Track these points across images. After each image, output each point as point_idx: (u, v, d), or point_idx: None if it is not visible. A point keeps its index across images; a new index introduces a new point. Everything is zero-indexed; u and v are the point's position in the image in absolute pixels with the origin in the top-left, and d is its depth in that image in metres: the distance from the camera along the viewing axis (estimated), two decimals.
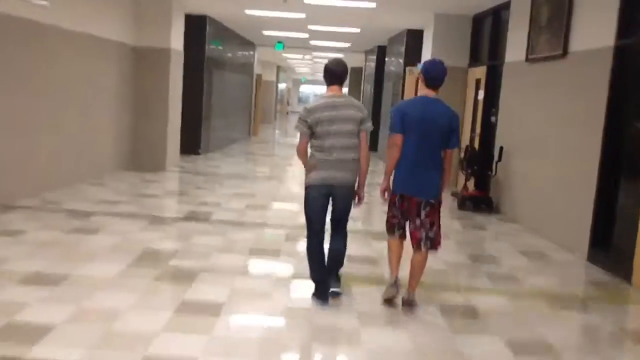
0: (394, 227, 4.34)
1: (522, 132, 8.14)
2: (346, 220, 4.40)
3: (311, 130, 4.14)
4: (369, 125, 4.22)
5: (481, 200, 8.78)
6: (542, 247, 6.65)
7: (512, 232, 7.44)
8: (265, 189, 9.83)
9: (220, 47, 14.73)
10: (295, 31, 15.36)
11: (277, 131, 26.61)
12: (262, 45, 19.76)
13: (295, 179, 10.96)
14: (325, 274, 4.32)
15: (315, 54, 22.46)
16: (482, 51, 10.42)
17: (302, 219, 4.46)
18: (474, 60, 10.67)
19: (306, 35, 16.02)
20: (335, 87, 4.24)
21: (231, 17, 13.55)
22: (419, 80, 4.42)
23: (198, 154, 13.43)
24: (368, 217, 7.92)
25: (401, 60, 13.30)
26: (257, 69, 20.84)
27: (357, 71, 29.52)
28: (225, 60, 15.59)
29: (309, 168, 4.21)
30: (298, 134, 4.29)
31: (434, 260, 5.17)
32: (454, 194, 9.46)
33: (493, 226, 7.74)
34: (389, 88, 15.01)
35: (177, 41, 10.87)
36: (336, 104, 4.14)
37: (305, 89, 51.67)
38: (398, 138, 4.20)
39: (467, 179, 9.25)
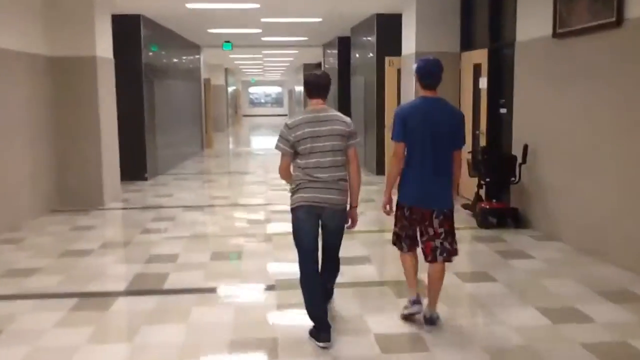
0: (403, 239, 4.06)
1: (553, 127, 6.44)
2: (338, 248, 4.06)
3: (294, 149, 3.77)
4: (357, 140, 3.93)
5: (506, 214, 7.06)
6: (619, 281, 4.96)
7: (564, 258, 5.72)
8: (232, 224, 7.86)
9: (160, 51, 12.62)
10: (246, 27, 13.39)
11: (231, 139, 24.52)
12: (208, 46, 17.65)
13: (266, 205, 9.02)
14: (325, 307, 3.92)
15: (267, 52, 20.47)
16: (479, 31, 8.70)
17: (294, 270, 3.98)
18: (468, 43, 8.96)
19: (258, 31, 14.06)
20: (318, 100, 3.85)
21: (170, 15, 11.47)
22: (415, 81, 4.05)
23: (145, 179, 11.33)
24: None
25: (372, 52, 11.51)
26: (204, 73, 18.71)
27: (312, 68, 27.74)
28: (168, 66, 13.48)
29: (292, 189, 3.86)
30: (280, 154, 3.82)
31: (505, 330, 3.42)
32: (466, 207, 7.71)
33: (536, 250, 6.00)
34: (359, 83, 13.19)
35: (104, 47, 8.75)
36: (320, 118, 3.77)
37: (255, 90, 49.44)
38: (399, 147, 3.90)
39: (479, 187, 7.52)
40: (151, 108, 11.73)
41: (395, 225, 4.08)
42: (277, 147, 3.81)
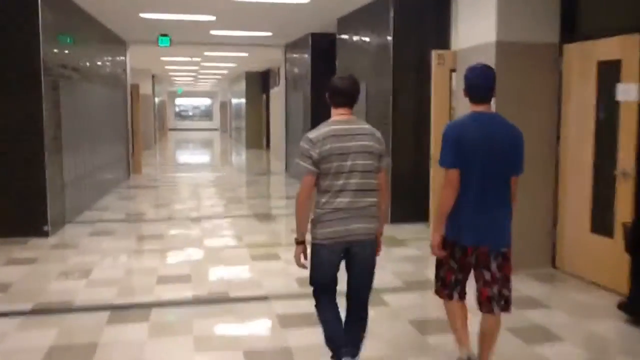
0: (451, 286, 3.39)
1: None
2: (369, 293, 3.37)
3: (317, 168, 3.12)
4: (388, 160, 3.48)
5: None
6: None
7: None
8: (203, 332, 4.12)
9: (70, 44, 8.60)
10: (196, 11, 9.63)
11: (161, 159, 20.36)
12: (137, 42, 13.61)
13: (266, 298, 5.30)
14: (344, 336, 3.36)
15: (209, 53, 16.60)
16: (610, 9, 5.47)
17: None
18: (577, 29, 5.70)
19: (211, 18, 10.30)
20: (345, 110, 3.27)
21: None
22: (464, 94, 3.32)
23: (45, 234, 7.29)
24: None
25: (386, 48, 8.10)
26: (130, 78, 14.57)
27: (257, 77, 24.04)
28: (81, 66, 9.43)
29: (313, 221, 3.21)
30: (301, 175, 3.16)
31: None
32: (625, 308, 4.40)
33: None
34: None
35: None
36: (349, 131, 3.20)
37: (182, 101, 45.07)
38: (453, 174, 3.18)
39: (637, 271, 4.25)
40: (55, 122, 7.72)
41: (440, 268, 3.43)
42: (299, 165, 3.18)
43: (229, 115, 34.81)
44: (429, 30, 7.84)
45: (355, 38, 9.62)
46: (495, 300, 3.25)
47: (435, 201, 3.72)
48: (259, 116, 24.57)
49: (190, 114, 45.74)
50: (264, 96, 23.99)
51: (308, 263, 3.29)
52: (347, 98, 3.28)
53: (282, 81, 14.90)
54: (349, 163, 3.14)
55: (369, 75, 8.76)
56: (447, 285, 3.41)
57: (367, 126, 3.28)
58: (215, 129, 43.15)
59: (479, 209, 3.19)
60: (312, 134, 3.20)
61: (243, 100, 26.25)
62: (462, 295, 3.43)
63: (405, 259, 6.21)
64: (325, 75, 12.49)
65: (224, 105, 38.89)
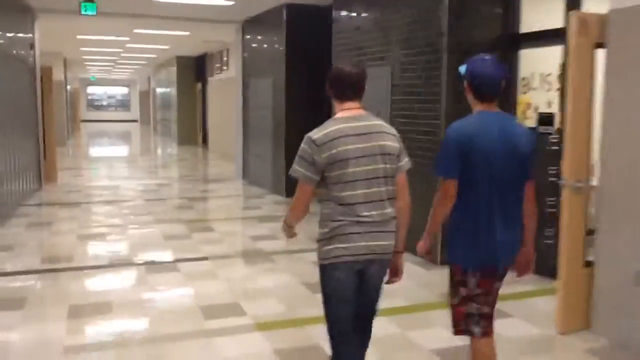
0: (472, 320, 2.84)
1: None
2: (376, 309, 2.91)
3: (321, 175, 2.67)
4: (407, 161, 2.82)
5: None
6: None
7: None
8: None
9: None
10: None
11: (77, 158, 16.92)
12: (49, 10, 10.34)
13: None
14: None
15: (140, 31, 13.46)
16: None
17: None
18: None
19: None
20: (354, 103, 2.77)
21: None
22: (466, 90, 2.84)
23: None
24: None
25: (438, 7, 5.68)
26: (39, 59, 11.21)
27: (191, 63, 20.91)
28: None
29: (322, 235, 2.70)
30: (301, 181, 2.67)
31: None
32: None
33: None
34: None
35: None
36: (363, 129, 2.70)
37: (96, 90, 40.76)
38: (452, 185, 2.74)
39: None
40: None
41: (457, 298, 2.86)
42: (295, 172, 2.69)
43: (151, 106, 31.21)
44: None
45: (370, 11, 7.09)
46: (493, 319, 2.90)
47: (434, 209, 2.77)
48: (193, 108, 21.49)
49: (105, 104, 41.93)
50: (200, 85, 20.91)
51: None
52: (356, 88, 2.76)
53: (238, 66, 12.07)
54: (367, 168, 2.67)
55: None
56: (467, 320, 2.86)
57: (382, 122, 2.80)
58: (134, 121, 39.40)
59: (491, 225, 2.73)
60: (316, 134, 2.67)
61: (170, 90, 23.01)
62: (488, 329, 2.87)
63: None
64: (307, 57, 10.19)
65: (145, 95, 35.21)
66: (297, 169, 2.68)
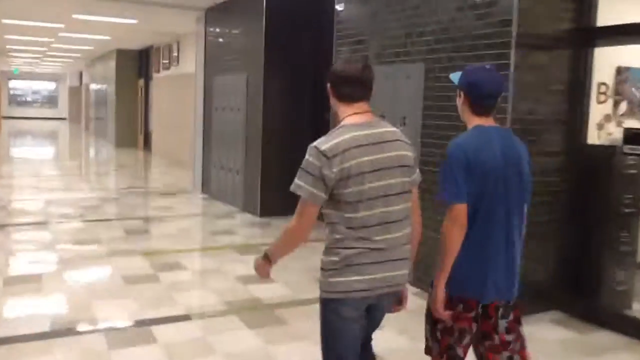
0: (455, 356, 2.53)
1: None
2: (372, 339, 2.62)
3: (329, 193, 2.27)
4: (419, 173, 2.50)
5: None
6: None
7: None
8: None
9: None
10: None
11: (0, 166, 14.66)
12: None
13: None
14: None
15: (79, 17, 11.48)
16: None
17: None
18: None
19: None
20: (363, 106, 2.41)
21: None
22: (460, 101, 2.57)
23: None
24: None
25: None
26: None
27: (133, 57, 18.87)
28: None
29: (331, 263, 2.32)
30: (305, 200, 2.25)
31: None
32: None
33: None
34: (406, 72, 5.72)
35: None
36: (378, 137, 2.36)
37: (19, 84, 37.54)
38: (462, 211, 2.39)
39: None
40: None
41: (437, 333, 2.52)
42: (299, 189, 2.26)
43: (84, 104, 28.63)
44: None
45: None
46: None
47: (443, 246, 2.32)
48: (134, 107, 19.43)
49: (29, 99, 38.84)
50: (142, 81, 18.88)
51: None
52: (364, 89, 2.40)
53: (199, 61, 10.36)
54: (385, 183, 2.32)
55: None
56: (450, 355, 2.55)
57: (394, 129, 2.46)
58: (63, 118, 36.50)
59: (488, 252, 2.44)
60: (325, 144, 2.27)
61: (107, 86, 20.81)
62: None
63: None
64: (292, 52, 8.54)
65: (75, 91, 32.48)
66: (302, 185, 2.27)
